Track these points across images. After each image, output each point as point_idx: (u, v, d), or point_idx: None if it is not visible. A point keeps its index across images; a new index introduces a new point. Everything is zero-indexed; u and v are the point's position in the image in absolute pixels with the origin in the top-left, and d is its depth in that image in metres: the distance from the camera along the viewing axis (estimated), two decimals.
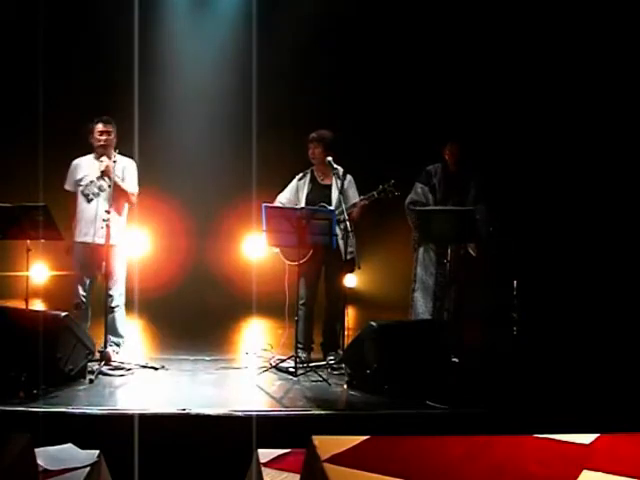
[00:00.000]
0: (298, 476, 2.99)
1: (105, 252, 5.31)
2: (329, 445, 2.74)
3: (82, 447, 3.25)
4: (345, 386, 4.97)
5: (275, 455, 3.31)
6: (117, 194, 5.47)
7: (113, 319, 5.51)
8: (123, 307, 5.66)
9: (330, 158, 5.63)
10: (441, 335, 5.17)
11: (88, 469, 3.00)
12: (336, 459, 2.61)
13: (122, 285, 5.65)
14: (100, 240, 5.38)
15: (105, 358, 5.23)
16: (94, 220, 5.45)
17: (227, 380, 5.11)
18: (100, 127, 5.57)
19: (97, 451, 3.19)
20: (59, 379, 4.65)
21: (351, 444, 2.81)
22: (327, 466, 2.56)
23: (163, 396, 4.65)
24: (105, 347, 5.25)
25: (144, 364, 5.36)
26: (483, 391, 4.90)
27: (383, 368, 4.77)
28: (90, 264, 5.53)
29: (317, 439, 2.81)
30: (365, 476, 2.54)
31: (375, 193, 5.47)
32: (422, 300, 5.88)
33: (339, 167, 5.72)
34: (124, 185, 5.52)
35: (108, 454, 3.28)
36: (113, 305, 5.50)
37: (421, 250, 5.94)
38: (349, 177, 5.73)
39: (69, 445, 3.28)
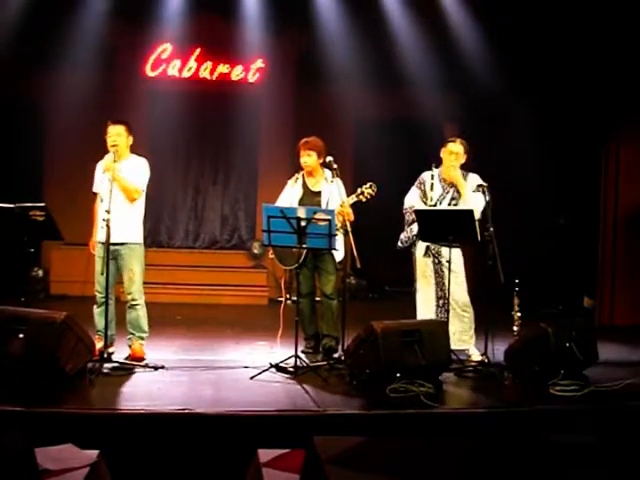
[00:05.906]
0: (298, 476, 2.99)
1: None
2: (329, 445, 2.75)
3: (82, 447, 3.25)
4: (345, 386, 4.97)
5: (275, 455, 3.31)
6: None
7: (137, 316, 5.56)
8: (143, 303, 5.64)
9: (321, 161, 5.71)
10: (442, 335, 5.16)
11: (88, 469, 3.00)
12: (336, 459, 2.61)
13: (139, 282, 5.59)
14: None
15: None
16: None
17: (227, 380, 5.10)
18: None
19: (97, 451, 3.19)
20: (59, 379, 4.64)
21: (351, 444, 2.82)
22: (327, 466, 2.56)
23: (163, 396, 4.64)
24: (105, 346, 5.25)
25: (144, 364, 5.35)
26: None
27: (383, 369, 4.77)
28: None
29: (317, 439, 2.81)
30: (365, 476, 2.54)
31: (354, 196, 5.55)
32: (424, 300, 5.86)
33: (329, 171, 5.73)
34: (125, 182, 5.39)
35: (108, 454, 3.28)
36: (134, 302, 5.54)
37: (417, 250, 5.88)
38: (338, 181, 5.73)
39: (69, 445, 3.27)
